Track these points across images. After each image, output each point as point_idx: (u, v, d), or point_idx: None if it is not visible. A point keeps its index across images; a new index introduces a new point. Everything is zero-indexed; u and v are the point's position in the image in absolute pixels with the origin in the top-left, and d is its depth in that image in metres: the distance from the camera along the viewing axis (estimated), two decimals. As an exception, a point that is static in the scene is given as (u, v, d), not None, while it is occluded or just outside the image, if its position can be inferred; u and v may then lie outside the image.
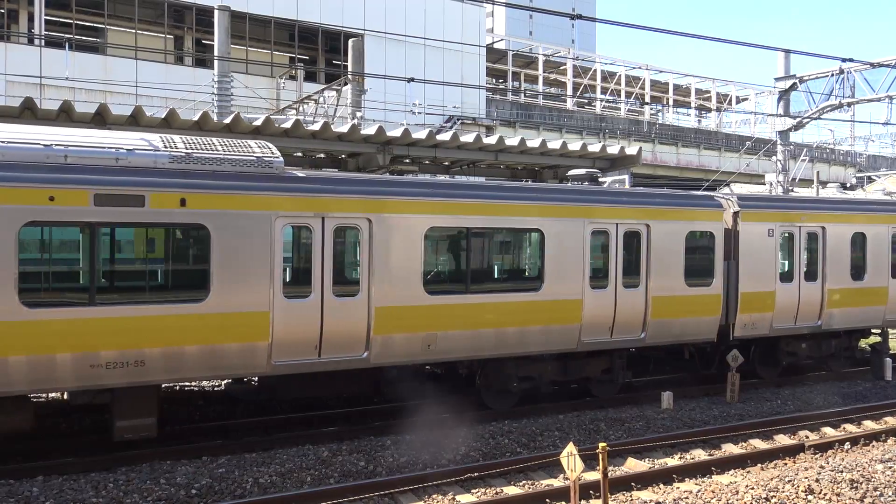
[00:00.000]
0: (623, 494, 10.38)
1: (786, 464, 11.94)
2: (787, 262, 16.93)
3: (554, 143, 18.26)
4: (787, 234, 16.81)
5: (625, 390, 15.92)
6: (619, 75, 57.42)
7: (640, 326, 14.82)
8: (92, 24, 36.84)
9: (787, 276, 16.78)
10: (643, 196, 15.24)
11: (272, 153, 11.97)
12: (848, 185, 39.51)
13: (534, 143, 17.94)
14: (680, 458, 12.10)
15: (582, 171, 16.44)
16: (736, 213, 16.17)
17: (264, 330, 11.32)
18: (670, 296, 15.04)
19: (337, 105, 26.56)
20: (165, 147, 11.22)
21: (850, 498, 9.71)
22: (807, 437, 13.43)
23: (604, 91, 56.21)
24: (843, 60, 17.88)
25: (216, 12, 26.22)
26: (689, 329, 15.46)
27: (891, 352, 19.60)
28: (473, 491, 10.36)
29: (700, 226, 15.53)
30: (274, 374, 11.68)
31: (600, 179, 16.99)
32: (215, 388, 15.55)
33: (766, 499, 9.63)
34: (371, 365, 12.31)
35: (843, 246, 17.53)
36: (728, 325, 16.06)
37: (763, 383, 17.71)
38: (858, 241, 17.83)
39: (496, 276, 14.17)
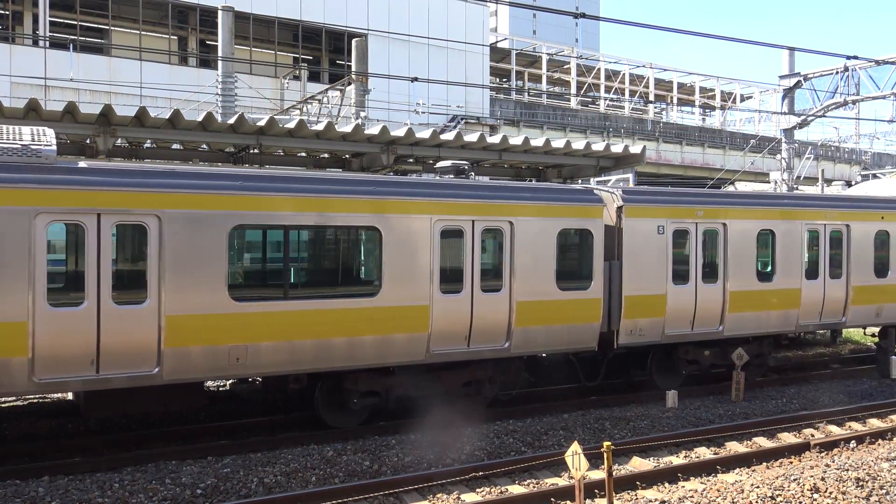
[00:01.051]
0: (628, 493, 10.37)
1: (791, 462, 11.92)
2: (681, 262, 15.51)
3: (558, 143, 18.22)
4: (681, 232, 15.42)
5: (634, 389, 15.90)
6: (623, 74, 57.32)
7: (503, 335, 13.41)
8: (96, 26, 36.93)
9: (681, 278, 15.38)
10: (507, 190, 13.77)
11: (46, 140, 10.63)
12: (853, 182, 39.36)
13: (537, 142, 17.90)
14: (685, 456, 12.09)
15: (448, 164, 14.87)
16: (620, 209, 14.80)
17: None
18: (539, 300, 13.65)
19: (341, 105, 26.58)
20: None
21: (855, 496, 9.69)
22: (812, 435, 13.41)
23: (607, 90, 56.12)
24: (848, 58, 17.83)
25: (220, 13, 26.24)
26: (563, 337, 14.05)
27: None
28: (478, 490, 10.37)
29: (575, 223, 14.13)
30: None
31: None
32: (220, 388, 15.57)
33: (772, 497, 9.62)
34: (164, 382, 10.91)
35: (748, 244, 16.10)
36: (612, 332, 14.74)
37: (769, 381, 17.68)
38: (767, 239, 16.49)
39: (322, 281, 12.71)
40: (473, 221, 13.24)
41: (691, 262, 15.57)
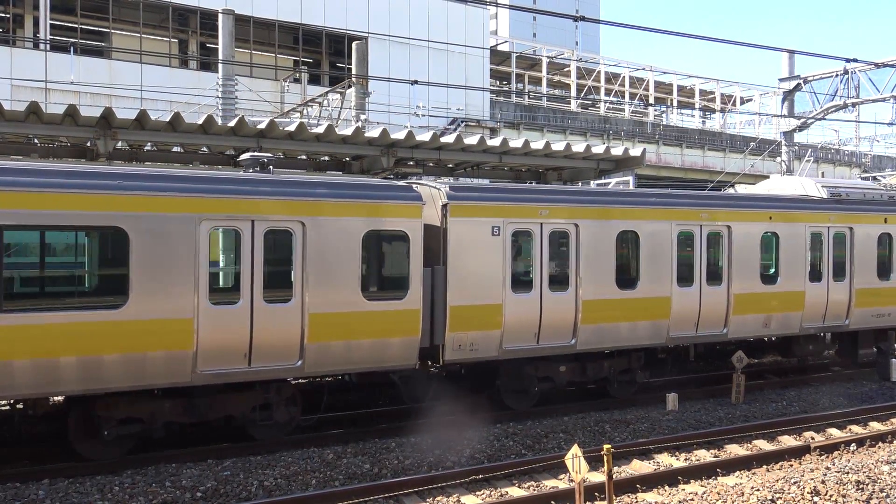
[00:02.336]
0: (628, 496, 10.37)
1: (791, 465, 11.92)
2: (522, 268, 13.97)
3: (558, 145, 18.24)
4: (522, 233, 13.78)
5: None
6: (623, 76, 57.35)
7: (295, 352, 11.69)
8: (97, 29, 36.96)
9: (522, 285, 13.78)
10: (298, 185, 12.11)
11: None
12: (853, 185, 39.36)
13: (538, 144, 17.93)
14: (685, 459, 12.09)
15: (247, 156, 13.21)
16: (445, 207, 13.06)
17: None
18: (339, 312, 11.95)
19: (341, 108, 26.59)
20: None
21: (855, 499, 9.69)
22: (812, 438, 13.41)
23: (608, 92, 56.14)
24: (848, 61, 17.89)
25: (220, 16, 26.26)
26: (372, 353, 12.36)
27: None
28: (478, 493, 10.37)
29: (387, 223, 12.48)
30: None
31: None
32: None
33: (772, 500, 9.62)
34: None
35: (604, 247, 14.46)
36: (438, 347, 13.09)
37: (769, 384, 17.66)
38: (629, 241, 14.92)
39: (48, 291, 10.89)
40: (253, 222, 11.44)
41: (535, 268, 13.86)
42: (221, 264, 12.14)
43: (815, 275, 17.12)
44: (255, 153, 13.37)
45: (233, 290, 11.46)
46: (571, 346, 14.23)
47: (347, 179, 13.26)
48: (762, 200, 16.94)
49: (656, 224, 15.09)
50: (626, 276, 14.86)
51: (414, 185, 13.58)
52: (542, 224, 13.94)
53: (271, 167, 12.85)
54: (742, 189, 21.04)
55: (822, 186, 17.98)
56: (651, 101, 57.78)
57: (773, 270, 16.60)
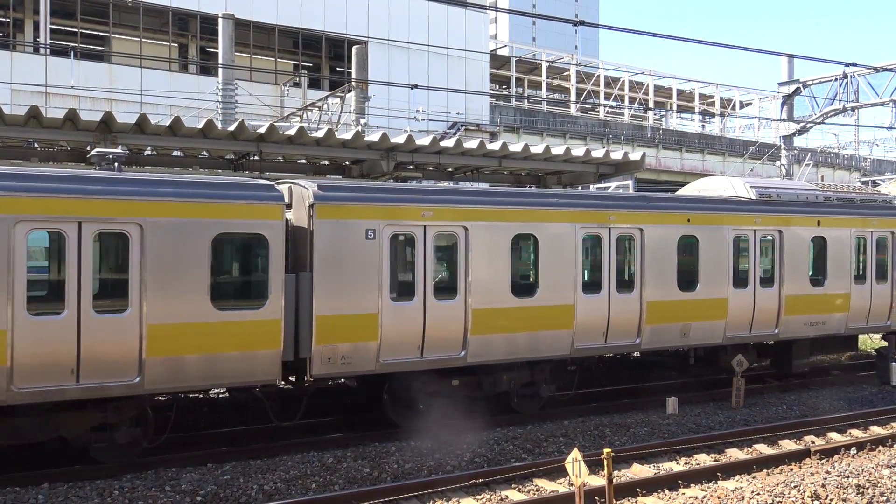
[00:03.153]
0: (628, 500, 10.37)
1: (791, 469, 11.91)
2: (403, 274, 12.85)
3: (557, 149, 18.27)
4: (401, 237, 12.71)
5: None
6: (623, 81, 57.43)
7: (133, 367, 10.58)
8: (97, 33, 37.02)
9: (404, 293, 12.63)
10: (135, 184, 10.90)
11: None
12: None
13: (537, 148, 17.95)
14: (685, 463, 12.08)
15: (94, 152, 12.05)
16: (311, 207, 11.97)
17: None
18: (185, 323, 10.88)
19: (341, 112, 26.62)
20: None
21: (856, 503, 9.68)
22: (812, 442, 13.40)
23: (607, 96, 56.21)
24: (847, 65, 17.93)
25: (220, 20, 26.33)
26: (228, 368, 11.24)
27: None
28: (478, 497, 10.36)
29: (241, 225, 11.37)
30: None
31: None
32: (220, 395, 15.55)
33: (772, 504, 9.61)
34: None
35: (498, 251, 13.28)
36: (305, 361, 12.00)
37: (769, 388, 17.64)
38: (527, 245, 13.91)
39: None
40: (80, 223, 10.34)
41: (417, 274, 12.72)
42: (43, 270, 10.75)
43: (741, 281, 15.94)
44: (102, 150, 12.19)
45: (56, 299, 10.32)
46: (461, 358, 13.01)
47: (197, 178, 11.97)
48: (680, 201, 15.87)
49: (558, 226, 13.89)
50: (524, 282, 13.81)
51: (281, 185, 12.65)
52: (425, 227, 12.77)
53: (117, 164, 11.76)
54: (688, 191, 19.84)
55: (751, 187, 16.96)
56: (650, 105, 57.85)
57: (692, 276, 15.41)
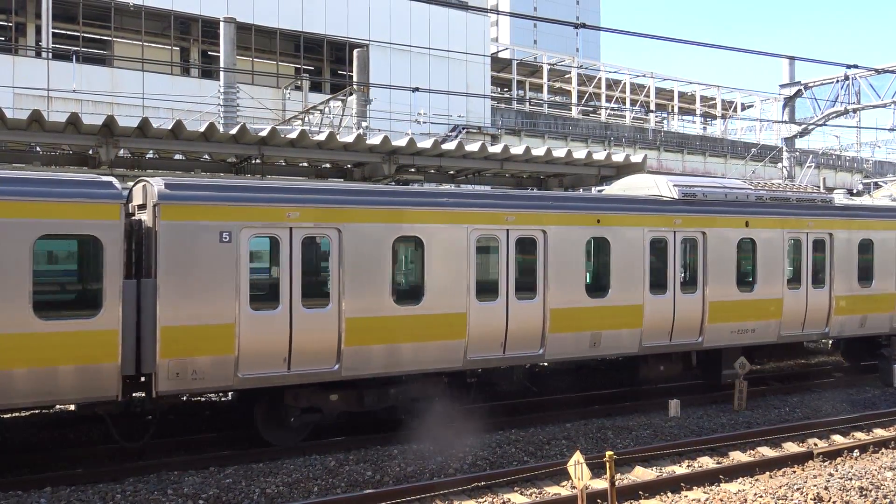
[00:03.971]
0: (631, 503, 10.35)
1: (794, 471, 11.89)
2: (266, 281, 11.93)
3: (559, 152, 18.28)
4: (266, 239, 11.75)
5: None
6: (624, 83, 57.45)
7: None
8: (99, 37, 37.08)
9: (264, 302, 11.61)
10: None
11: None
12: (854, 191, 39.40)
13: (539, 151, 17.96)
14: (688, 466, 12.06)
15: None
16: (156, 207, 10.91)
17: None
18: (5, 334, 9.93)
19: (342, 115, 26.64)
20: None
21: (859, 506, 9.67)
22: (815, 444, 13.37)
23: (608, 99, 56.23)
24: (848, 67, 17.90)
25: (222, 24, 26.35)
26: (54, 384, 10.22)
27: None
28: (480, 500, 10.35)
29: (69, 226, 10.35)
30: None
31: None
32: (222, 399, 15.56)
33: (775, 507, 9.59)
34: None
35: (378, 255, 12.25)
36: (150, 375, 10.96)
37: (772, 390, 17.62)
38: (411, 249, 12.91)
39: None
40: None
41: (283, 281, 11.69)
42: None
43: (658, 285, 14.96)
44: None
45: None
46: (335, 372, 11.96)
47: (17, 173, 10.80)
48: (590, 201, 14.87)
49: (448, 228, 12.88)
50: (407, 289, 12.84)
51: (138, 183, 11.78)
52: (291, 229, 11.71)
53: None
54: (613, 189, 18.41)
55: (674, 185, 15.77)
56: (652, 107, 57.84)
57: (602, 280, 14.46)
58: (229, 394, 14.18)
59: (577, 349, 14.18)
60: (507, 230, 13.47)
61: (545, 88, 55.58)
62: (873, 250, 17.88)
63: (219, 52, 28.06)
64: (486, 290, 13.29)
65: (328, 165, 17.75)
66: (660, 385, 16.17)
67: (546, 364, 15.96)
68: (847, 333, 17.84)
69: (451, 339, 12.89)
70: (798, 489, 10.15)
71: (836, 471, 11.32)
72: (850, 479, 10.56)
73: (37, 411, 14.17)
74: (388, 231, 12.42)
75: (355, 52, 28.61)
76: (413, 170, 17.59)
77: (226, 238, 11.22)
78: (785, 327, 16.55)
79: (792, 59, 27.37)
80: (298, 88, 35.97)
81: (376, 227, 12.32)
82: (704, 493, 10.73)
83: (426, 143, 16.99)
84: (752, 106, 64.45)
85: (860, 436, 14.07)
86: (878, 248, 17.97)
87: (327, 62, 40.22)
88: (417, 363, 12.71)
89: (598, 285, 14.44)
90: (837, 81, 28.82)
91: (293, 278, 11.75)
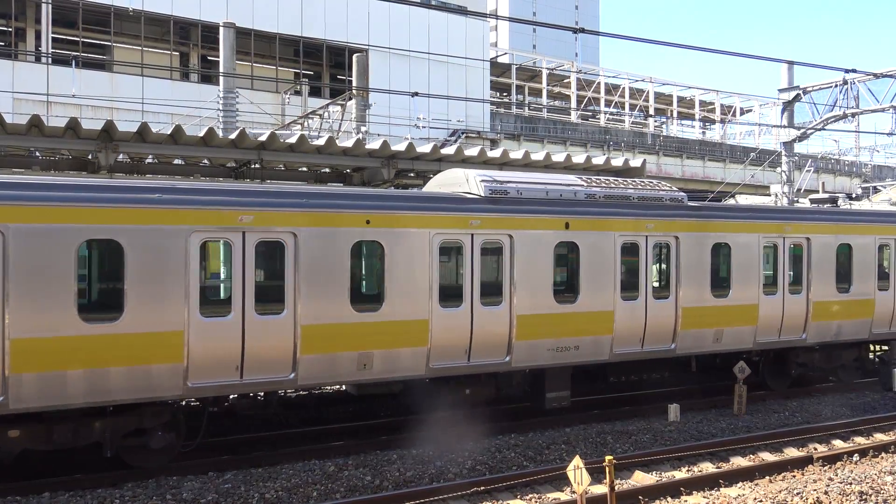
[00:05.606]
0: (630, 508, 10.34)
1: (794, 476, 11.87)
2: None
3: (558, 156, 18.30)
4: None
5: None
6: (623, 88, 57.54)
7: None
8: (98, 42, 37.12)
9: None
10: None
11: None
12: (854, 195, 39.44)
13: (538, 156, 17.99)
14: (687, 470, 12.05)
15: None
16: None
17: None
18: None
19: (342, 120, 26.67)
20: None
21: (859, 510, 9.66)
22: (815, 449, 13.36)
23: (608, 104, 56.31)
24: (847, 71, 17.95)
25: (221, 29, 26.38)
26: None
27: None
28: (480, 505, 10.33)
29: None
30: None
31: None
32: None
33: (775, 511, 9.58)
34: None
35: (57, 265, 10.19)
36: None
37: (771, 395, 17.61)
38: (107, 255, 10.83)
39: None
40: None
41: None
42: None
43: (449, 297, 12.84)
44: None
45: None
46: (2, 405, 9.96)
47: None
48: (357, 199, 12.37)
49: (151, 229, 10.78)
50: (93, 302, 10.83)
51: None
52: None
53: None
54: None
55: (482, 181, 13.65)
56: (651, 111, 57.92)
57: (372, 291, 12.55)
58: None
59: (327, 373, 11.97)
60: (244, 231, 11.33)
61: (544, 93, 55.67)
62: (731, 255, 15.72)
63: (218, 56, 28.10)
64: (211, 301, 11.37)
65: (327, 170, 17.77)
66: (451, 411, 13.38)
67: (297, 388, 13.11)
68: (697, 350, 15.51)
69: (165, 363, 10.79)
70: (798, 493, 10.14)
71: (836, 475, 11.30)
72: (850, 484, 10.54)
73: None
74: (69, 233, 10.35)
75: (355, 56, 28.64)
76: (412, 174, 17.61)
77: None
78: (618, 344, 14.41)
79: (791, 63, 27.40)
80: (298, 93, 36.04)
81: (71, 227, 10.33)
82: (704, 497, 10.72)
83: (425, 148, 17.01)
84: (750, 110, 64.58)
85: (860, 440, 14.06)
86: (736, 253, 15.74)
87: (326, 67, 40.26)
88: (129, 391, 10.64)
89: (366, 296, 12.51)
90: (836, 86, 28.84)
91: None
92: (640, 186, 15.34)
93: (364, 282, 12.79)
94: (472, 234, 13.08)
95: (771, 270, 16.42)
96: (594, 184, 14.78)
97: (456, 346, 12.88)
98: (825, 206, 22.04)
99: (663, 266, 15.16)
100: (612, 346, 14.37)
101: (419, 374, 12.65)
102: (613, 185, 14.97)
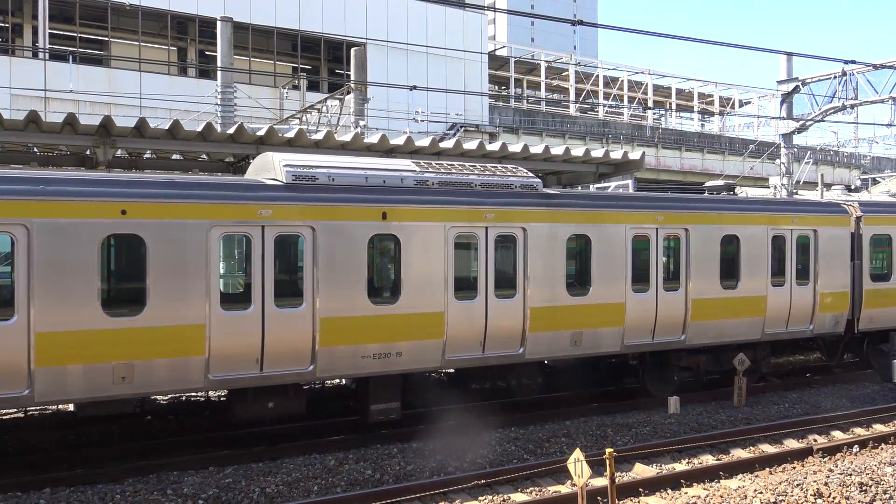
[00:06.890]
0: (631, 500, 10.35)
1: (794, 467, 11.90)
2: None
3: (557, 149, 18.25)
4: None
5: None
6: (622, 80, 57.46)
7: None
8: (96, 37, 37.05)
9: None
10: None
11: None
12: (853, 186, 39.42)
13: (537, 149, 17.94)
14: (688, 462, 12.07)
15: None
16: None
17: None
18: None
19: (340, 114, 26.61)
20: None
21: (859, 501, 9.67)
22: (815, 440, 13.38)
23: (606, 96, 56.25)
24: (846, 62, 17.92)
25: (219, 23, 26.31)
26: None
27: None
28: (480, 498, 10.35)
29: None
30: None
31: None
32: (221, 399, 15.55)
33: (775, 503, 9.60)
34: None
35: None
36: None
37: (771, 386, 17.62)
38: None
39: None
40: None
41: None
42: None
43: (234, 300, 11.53)
44: None
45: None
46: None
47: None
48: (109, 185, 10.76)
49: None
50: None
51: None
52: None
53: None
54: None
55: (285, 166, 12.04)
56: (650, 104, 57.86)
57: (133, 296, 10.86)
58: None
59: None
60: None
61: (543, 86, 55.58)
62: (591, 248, 14.05)
63: (216, 51, 28.02)
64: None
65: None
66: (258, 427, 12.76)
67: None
68: (549, 354, 13.98)
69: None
70: (798, 485, 10.15)
71: (836, 466, 11.32)
72: (850, 475, 10.56)
73: (35, 413, 14.18)
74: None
75: (353, 50, 28.57)
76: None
77: None
78: (451, 349, 12.82)
79: (790, 55, 27.31)
80: (296, 87, 35.98)
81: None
82: (704, 489, 10.74)
83: (424, 142, 16.97)
84: (749, 102, 64.56)
85: (860, 431, 14.08)
86: (598, 246, 14.08)
87: (325, 61, 40.20)
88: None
89: (125, 298, 10.84)
90: (835, 77, 28.79)
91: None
92: (488, 172, 13.70)
93: (115, 286, 11.01)
94: (263, 227, 11.42)
95: (642, 265, 14.69)
96: (430, 169, 13.21)
97: (248, 356, 11.36)
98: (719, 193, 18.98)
99: (507, 261, 13.39)
100: (444, 352, 12.75)
101: (199, 385, 11.17)
102: (455, 171, 13.38)
